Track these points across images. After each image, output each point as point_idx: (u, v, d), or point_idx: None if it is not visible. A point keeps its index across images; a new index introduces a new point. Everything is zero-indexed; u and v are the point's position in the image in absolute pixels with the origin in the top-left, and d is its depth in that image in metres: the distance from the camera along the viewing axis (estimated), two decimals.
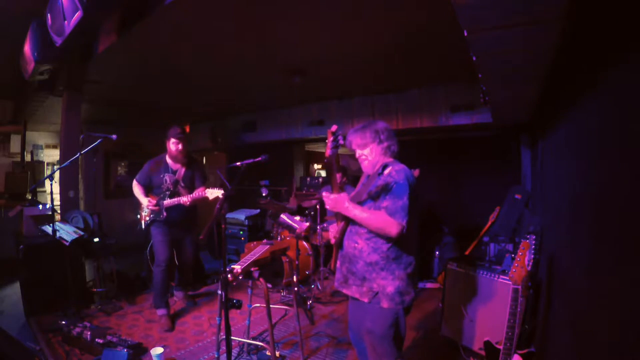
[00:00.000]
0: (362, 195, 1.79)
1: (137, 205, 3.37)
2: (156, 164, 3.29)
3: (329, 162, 1.77)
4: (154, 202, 3.16)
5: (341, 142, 1.72)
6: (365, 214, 1.70)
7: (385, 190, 1.69)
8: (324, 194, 1.84)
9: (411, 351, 2.73)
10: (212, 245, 5.42)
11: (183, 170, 3.28)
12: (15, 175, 5.48)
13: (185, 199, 3.05)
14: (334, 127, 1.68)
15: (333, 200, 1.77)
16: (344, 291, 1.87)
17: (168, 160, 3.28)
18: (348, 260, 1.83)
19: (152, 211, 3.19)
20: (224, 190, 2.97)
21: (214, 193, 2.90)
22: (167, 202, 3.13)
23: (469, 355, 2.50)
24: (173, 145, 3.18)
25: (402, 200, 1.63)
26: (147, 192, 3.28)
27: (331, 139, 1.68)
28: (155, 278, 3.23)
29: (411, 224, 1.65)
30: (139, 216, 3.33)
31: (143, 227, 3.31)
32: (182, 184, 3.24)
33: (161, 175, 3.24)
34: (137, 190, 3.27)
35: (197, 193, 3.00)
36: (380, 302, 1.71)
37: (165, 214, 3.15)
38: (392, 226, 1.62)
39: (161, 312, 3.20)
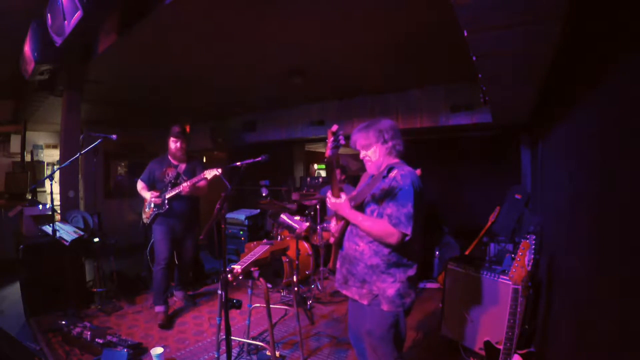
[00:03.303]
0: (365, 195, 1.76)
1: (141, 204, 3.47)
2: (159, 162, 3.47)
3: (328, 162, 1.73)
4: (157, 194, 3.28)
5: (342, 142, 1.64)
6: (368, 222, 1.67)
7: (389, 195, 1.65)
8: (327, 194, 1.81)
9: (411, 351, 2.72)
10: (212, 245, 5.42)
11: (184, 165, 3.44)
12: (15, 175, 5.48)
13: (185, 184, 3.14)
14: (334, 127, 1.62)
15: (335, 204, 1.75)
16: (344, 292, 1.86)
17: (169, 157, 3.45)
18: (348, 262, 1.81)
19: (155, 204, 3.28)
20: (222, 182, 3.03)
21: (211, 172, 2.99)
22: (169, 192, 3.25)
23: (469, 355, 2.50)
24: (172, 143, 3.36)
25: (407, 208, 1.59)
26: (151, 190, 3.38)
27: (331, 139, 1.61)
28: (155, 276, 3.29)
29: (416, 230, 1.61)
30: (143, 214, 3.42)
31: (146, 223, 3.40)
32: (184, 177, 3.35)
33: (163, 169, 3.40)
34: (141, 187, 3.41)
35: (196, 178, 3.09)
36: (380, 305, 1.69)
37: (167, 206, 3.25)
38: (393, 236, 1.59)
39: (159, 308, 3.25)
